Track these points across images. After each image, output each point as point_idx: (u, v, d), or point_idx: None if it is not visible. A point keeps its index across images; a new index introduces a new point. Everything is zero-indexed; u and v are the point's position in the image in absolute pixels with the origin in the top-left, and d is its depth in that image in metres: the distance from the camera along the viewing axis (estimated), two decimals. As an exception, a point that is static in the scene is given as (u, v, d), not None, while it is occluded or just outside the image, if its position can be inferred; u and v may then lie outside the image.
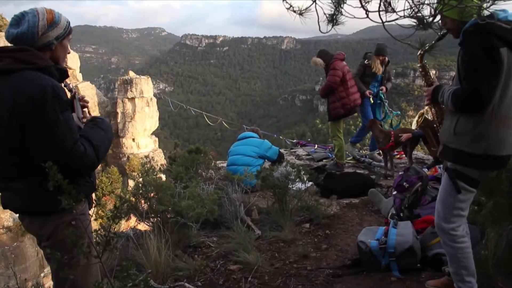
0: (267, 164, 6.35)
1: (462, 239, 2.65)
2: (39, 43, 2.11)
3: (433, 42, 2.57)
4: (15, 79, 2.01)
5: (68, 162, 2.03)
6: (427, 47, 2.55)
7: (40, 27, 2.09)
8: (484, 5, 1.77)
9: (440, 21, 2.49)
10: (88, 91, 33.43)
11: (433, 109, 2.96)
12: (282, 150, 8.98)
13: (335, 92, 6.88)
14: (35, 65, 2.05)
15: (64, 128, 2.02)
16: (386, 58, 7.65)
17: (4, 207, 2.24)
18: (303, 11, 1.72)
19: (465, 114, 2.49)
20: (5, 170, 2.14)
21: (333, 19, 1.76)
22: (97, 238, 1.85)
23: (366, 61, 7.59)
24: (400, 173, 5.00)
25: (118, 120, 37.40)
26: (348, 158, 7.87)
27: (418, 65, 2.91)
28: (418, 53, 2.79)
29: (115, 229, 1.80)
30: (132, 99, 38.97)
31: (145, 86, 39.78)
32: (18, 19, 2.11)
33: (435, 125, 3.07)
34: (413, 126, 3.09)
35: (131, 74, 40.94)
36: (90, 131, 2.25)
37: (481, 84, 2.33)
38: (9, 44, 2.15)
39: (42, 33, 2.10)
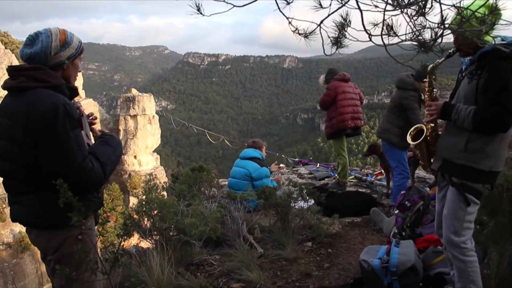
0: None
1: (472, 253, 2.74)
2: (51, 62, 2.18)
3: (443, 59, 2.70)
4: (29, 96, 2.07)
5: (77, 178, 2.07)
6: (440, 61, 2.72)
7: (53, 47, 2.16)
8: (484, 29, 1.81)
9: (441, 44, 2.52)
10: (91, 108, 33.66)
11: (430, 124, 2.94)
12: (284, 169, 8.97)
13: (328, 111, 6.95)
14: (48, 83, 2.12)
15: (74, 145, 2.07)
16: None
17: (13, 220, 2.28)
18: (309, 34, 1.76)
19: (477, 133, 2.58)
20: (16, 184, 2.19)
21: (337, 42, 1.80)
22: (106, 254, 1.88)
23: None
24: (402, 192, 5.02)
25: (120, 137, 37.54)
26: (350, 177, 7.88)
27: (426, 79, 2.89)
28: (430, 66, 2.84)
29: (120, 246, 1.82)
30: (134, 117, 39.23)
31: (147, 104, 40.06)
32: (32, 39, 2.18)
33: (428, 139, 3.02)
34: (408, 140, 3.04)
35: (134, 91, 41.30)
36: (97, 148, 2.30)
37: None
38: (22, 63, 2.23)
39: (54, 53, 2.17)
